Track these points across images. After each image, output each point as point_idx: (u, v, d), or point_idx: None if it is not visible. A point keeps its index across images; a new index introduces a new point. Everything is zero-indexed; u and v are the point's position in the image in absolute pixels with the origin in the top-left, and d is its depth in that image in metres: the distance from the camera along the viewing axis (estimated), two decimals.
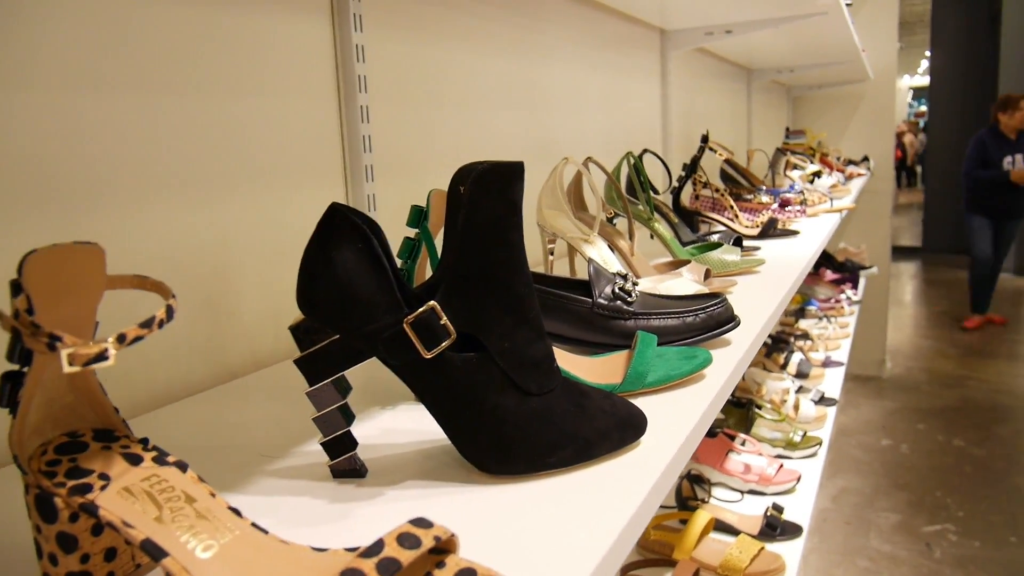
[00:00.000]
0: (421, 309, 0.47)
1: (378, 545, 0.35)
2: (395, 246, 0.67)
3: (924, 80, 11.58)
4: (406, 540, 0.35)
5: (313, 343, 0.50)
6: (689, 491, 1.50)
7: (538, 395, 0.51)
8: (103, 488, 0.38)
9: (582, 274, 0.84)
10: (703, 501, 1.51)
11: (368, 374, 0.74)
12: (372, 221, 0.50)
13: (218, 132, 0.78)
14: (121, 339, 0.35)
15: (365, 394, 0.69)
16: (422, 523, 0.37)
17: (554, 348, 0.65)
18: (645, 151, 1.32)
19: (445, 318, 0.48)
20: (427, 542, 0.36)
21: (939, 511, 2.59)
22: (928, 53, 7.63)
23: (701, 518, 1.33)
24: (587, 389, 0.54)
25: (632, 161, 1.21)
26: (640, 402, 0.62)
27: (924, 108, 11.62)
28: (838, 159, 3.26)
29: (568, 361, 0.65)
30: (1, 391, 0.39)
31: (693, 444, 0.58)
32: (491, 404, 0.49)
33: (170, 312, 0.38)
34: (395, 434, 0.60)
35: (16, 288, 0.37)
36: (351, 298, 0.48)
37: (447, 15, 1.13)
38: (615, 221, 1.14)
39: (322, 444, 0.52)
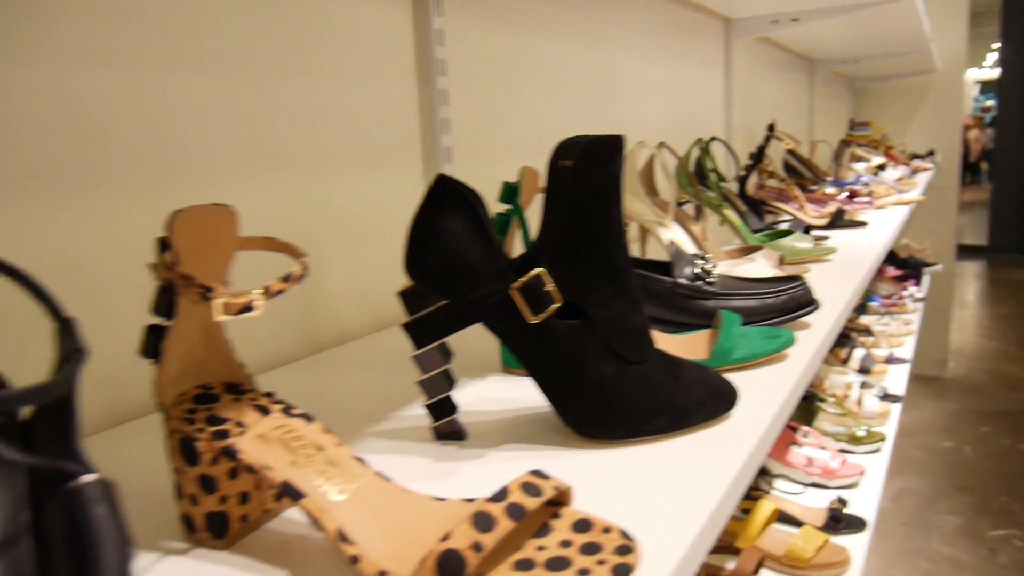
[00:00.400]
0: (529, 275, 0.49)
1: (503, 492, 0.36)
2: None
3: (991, 73, 11.20)
4: (529, 488, 0.37)
5: (420, 308, 0.52)
6: (751, 481, 1.50)
7: (635, 363, 0.52)
8: (240, 434, 0.41)
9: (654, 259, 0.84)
10: (765, 492, 1.51)
11: (456, 347, 0.76)
12: (476, 192, 0.52)
13: (305, 114, 0.81)
14: (266, 291, 0.37)
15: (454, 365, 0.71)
16: (541, 475, 0.39)
17: None
18: (713, 139, 1.32)
19: (551, 285, 0.49)
20: (548, 491, 0.37)
21: (1005, 516, 2.52)
22: (996, 45, 7.37)
23: (765, 507, 1.33)
24: (681, 360, 0.55)
25: (702, 148, 1.21)
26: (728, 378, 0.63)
27: (990, 103, 11.25)
28: (902, 152, 3.19)
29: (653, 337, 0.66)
30: (147, 342, 0.41)
31: (783, 418, 0.59)
32: (592, 371, 0.51)
33: (305, 269, 0.40)
34: (488, 402, 0.62)
35: (164, 244, 0.40)
36: (459, 265, 0.50)
37: (526, 2, 1.15)
38: (684, 207, 1.14)
39: (426, 406, 0.54)
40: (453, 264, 0.50)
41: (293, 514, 0.45)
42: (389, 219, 0.92)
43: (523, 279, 0.49)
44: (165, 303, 0.40)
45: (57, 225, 0.59)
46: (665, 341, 0.68)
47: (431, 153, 0.97)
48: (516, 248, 0.72)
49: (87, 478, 0.27)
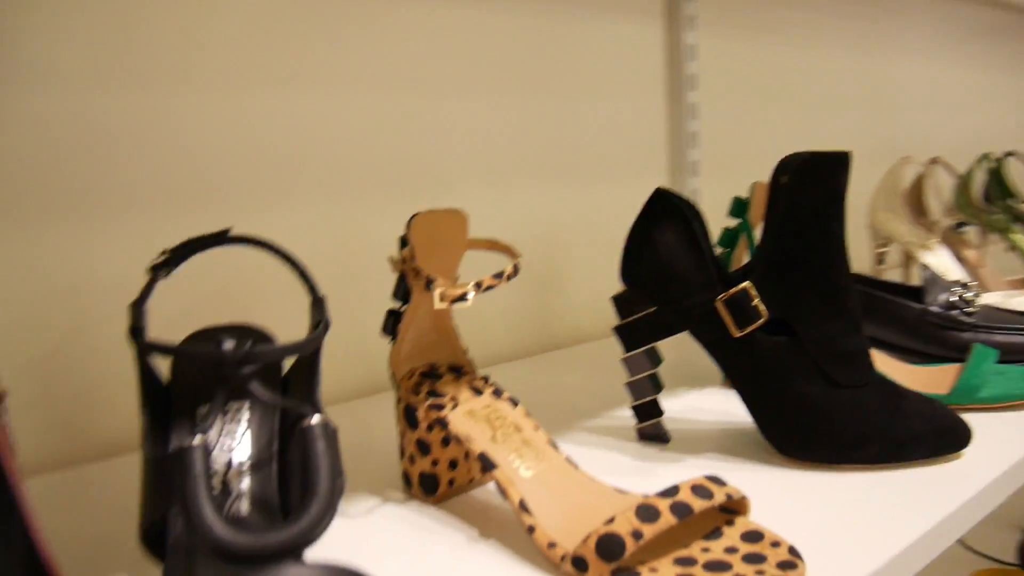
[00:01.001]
0: (734, 289, 0.50)
1: (673, 490, 0.38)
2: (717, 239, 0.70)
3: None
4: (700, 491, 0.38)
5: (631, 313, 0.55)
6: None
7: (847, 387, 0.50)
8: (453, 408, 0.47)
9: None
10: None
11: (682, 356, 0.77)
12: (693, 205, 0.53)
13: (557, 127, 0.87)
14: (478, 285, 0.43)
15: (676, 374, 0.73)
16: (716, 481, 0.40)
17: (872, 350, 0.63)
18: (1009, 154, 1.17)
19: (757, 299, 0.50)
20: (719, 497, 0.39)
21: None
22: None
23: None
24: (904, 391, 0.52)
25: (992, 164, 1.08)
26: (968, 418, 0.58)
27: None
28: None
29: (886, 365, 0.62)
30: (387, 323, 0.49)
31: None
32: (797, 390, 0.50)
33: (516, 269, 0.45)
34: (700, 412, 0.63)
35: (404, 241, 0.47)
36: (669, 274, 0.52)
37: (784, 12, 1.12)
38: (963, 229, 1.03)
39: (632, 408, 0.57)
40: (663, 273, 0.52)
41: (494, 487, 0.50)
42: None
43: (728, 292, 0.50)
44: (401, 291, 0.48)
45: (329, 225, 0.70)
46: (900, 370, 0.63)
47: (677, 166, 0.99)
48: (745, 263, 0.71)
49: (315, 419, 0.34)
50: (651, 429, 0.56)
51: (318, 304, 0.41)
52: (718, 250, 0.70)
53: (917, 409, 0.51)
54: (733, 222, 0.70)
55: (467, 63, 0.78)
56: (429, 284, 0.43)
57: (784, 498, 0.46)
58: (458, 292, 0.42)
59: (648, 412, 0.56)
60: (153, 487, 0.35)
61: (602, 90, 0.91)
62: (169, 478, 0.33)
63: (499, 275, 0.44)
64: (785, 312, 0.50)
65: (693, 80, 0.97)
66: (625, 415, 0.63)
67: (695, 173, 0.99)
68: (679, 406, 0.64)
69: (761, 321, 0.50)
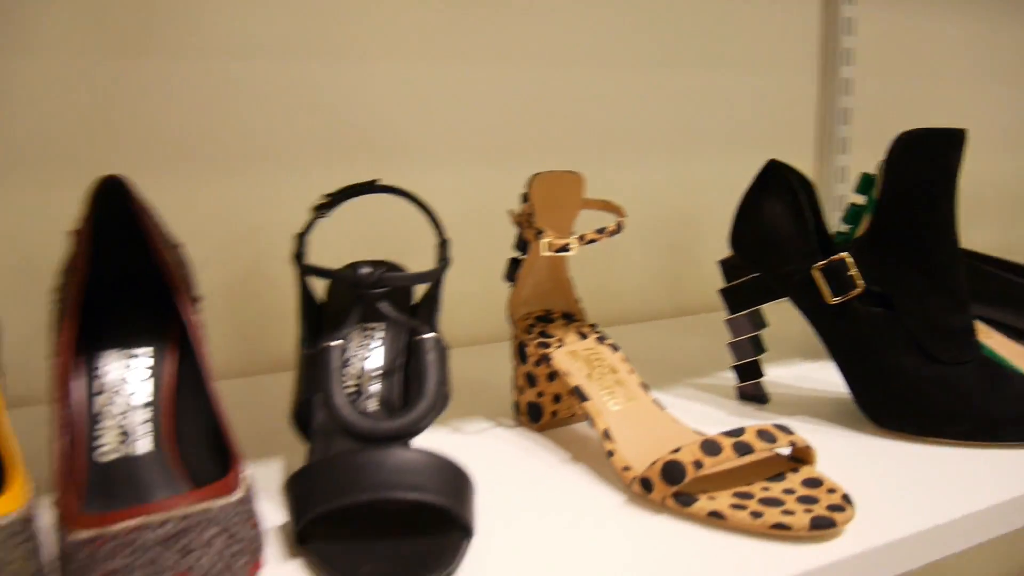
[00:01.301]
0: (830, 258, 0.52)
1: (739, 431, 0.42)
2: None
3: None
4: (764, 435, 0.42)
5: (737, 278, 0.59)
6: None
7: (945, 363, 0.51)
8: (557, 348, 0.53)
9: None
10: None
11: (800, 327, 0.79)
12: (805, 178, 0.56)
13: (700, 99, 0.89)
14: (581, 238, 0.49)
15: (788, 344, 0.75)
16: (783, 429, 0.43)
17: (997, 334, 0.62)
18: None
19: (854, 270, 0.52)
20: (781, 442, 0.42)
21: None
22: None
23: None
24: (1010, 373, 0.52)
25: None
26: None
27: None
28: None
29: (1003, 347, 0.62)
30: (508, 270, 0.56)
31: None
32: (891, 361, 0.52)
33: (619, 227, 0.50)
34: (807, 380, 0.65)
35: (524, 197, 0.53)
36: (771, 242, 0.55)
37: None
38: None
39: (733, 368, 0.60)
40: (766, 240, 0.55)
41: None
42: None
43: (825, 261, 0.52)
44: (521, 242, 0.54)
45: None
46: (1018, 354, 0.62)
47: (825, 143, 0.98)
48: None
49: (429, 335, 0.41)
50: (751, 389, 0.60)
51: (443, 245, 0.48)
52: (844, 227, 0.71)
53: (1019, 392, 0.51)
54: (859, 199, 0.70)
55: (618, 36, 0.83)
56: (539, 234, 0.49)
57: (864, 461, 0.49)
58: (562, 242, 0.48)
59: (749, 372, 0.60)
60: (303, 377, 0.44)
61: (751, 63, 0.92)
62: (314, 370, 0.42)
63: (600, 230, 0.49)
64: (885, 285, 0.52)
65: (848, 55, 0.95)
66: (732, 378, 0.66)
67: (844, 150, 0.97)
68: (788, 374, 0.67)
69: (856, 291, 0.52)
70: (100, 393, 0.42)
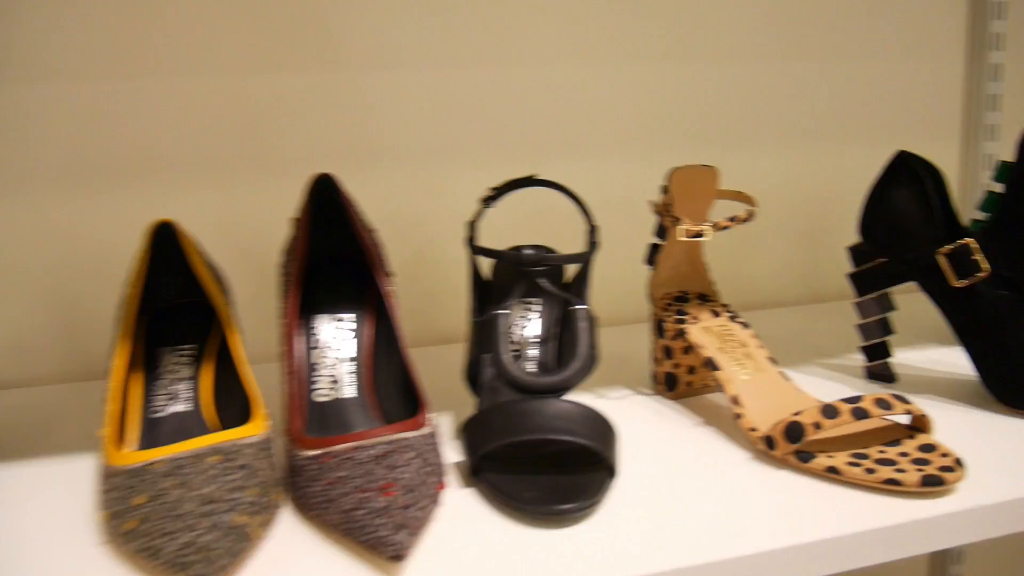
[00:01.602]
0: (955, 243, 0.55)
1: (857, 398, 0.47)
2: None
3: None
4: (881, 403, 0.47)
5: (864, 263, 0.62)
6: None
7: None
8: (693, 324, 0.59)
9: None
10: None
11: (936, 315, 0.80)
12: (934, 168, 0.59)
13: (842, 88, 0.91)
14: (714, 225, 0.54)
15: (924, 330, 0.77)
16: (900, 398, 0.48)
17: None
18: None
19: (979, 254, 0.54)
20: (898, 410, 0.47)
21: None
22: None
23: None
24: None
25: None
26: None
27: None
28: None
29: None
30: (649, 254, 0.62)
31: None
32: (1017, 342, 0.54)
33: (749, 215, 0.56)
34: (937, 363, 0.67)
35: (664, 189, 0.60)
36: (898, 228, 0.58)
37: None
38: None
39: (861, 348, 0.64)
40: (893, 227, 0.59)
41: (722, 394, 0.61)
42: None
43: (949, 246, 0.55)
44: (660, 228, 0.61)
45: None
46: None
47: (972, 130, 0.97)
48: None
49: (580, 307, 0.48)
50: (878, 368, 0.63)
51: (592, 231, 0.55)
52: (980, 215, 0.72)
53: None
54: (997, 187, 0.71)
55: (757, 28, 0.87)
56: (676, 222, 0.56)
57: (983, 435, 0.52)
58: (697, 229, 0.54)
59: (877, 353, 0.63)
60: (474, 340, 0.52)
61: (895, 51, 0.93)
62: (484, 334, 0.50)
63: (732, 218, 0.55)
64: (1012, 270, 0.55)
65: (998, 39, 0.94)
66: (862, 359, 0.69)
67: (993, 137, 0.96)
68: (920, 357, 0.69)
69: (981, 275, 0.54)
70: (316, 348, 0.53)
